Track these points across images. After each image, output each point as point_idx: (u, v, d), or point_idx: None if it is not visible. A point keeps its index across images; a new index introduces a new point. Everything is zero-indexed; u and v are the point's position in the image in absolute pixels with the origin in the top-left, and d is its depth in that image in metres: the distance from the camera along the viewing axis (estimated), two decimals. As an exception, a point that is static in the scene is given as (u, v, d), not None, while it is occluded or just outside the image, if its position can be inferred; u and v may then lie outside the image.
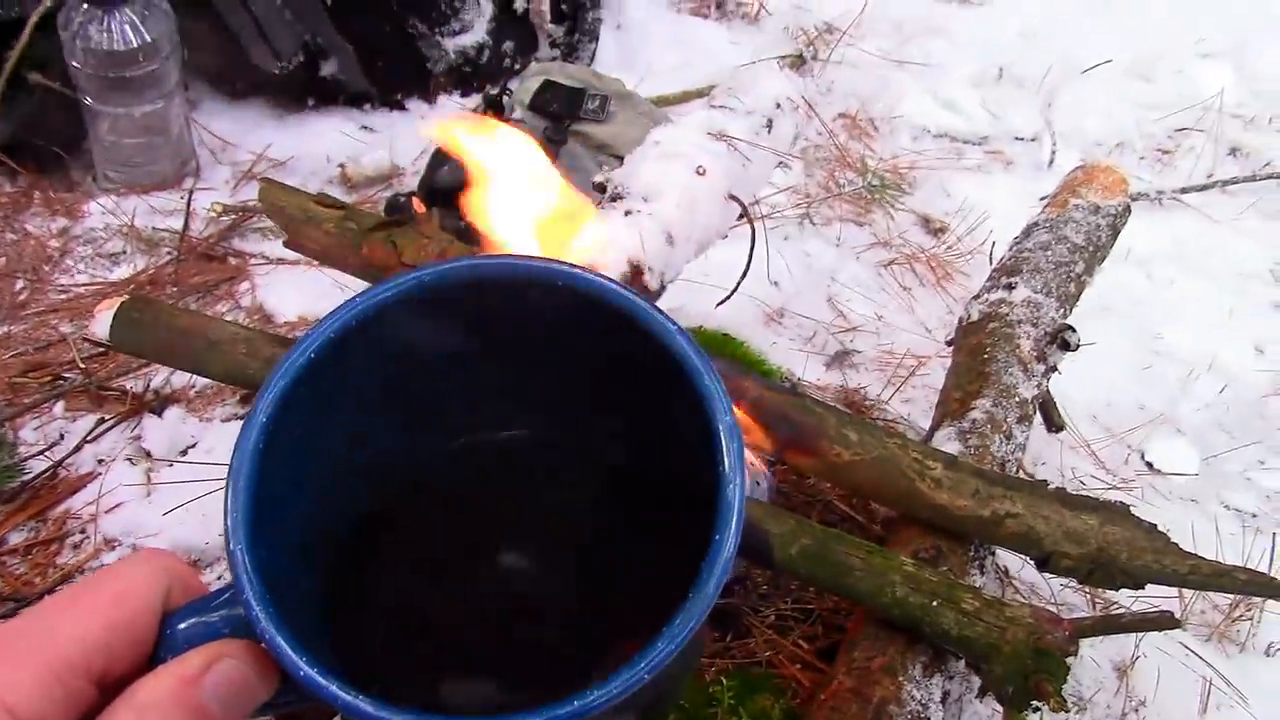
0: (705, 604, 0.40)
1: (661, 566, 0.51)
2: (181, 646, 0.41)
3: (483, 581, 0.55)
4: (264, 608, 0.40)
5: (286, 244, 1.12)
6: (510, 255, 0.47)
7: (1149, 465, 1.54)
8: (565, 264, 0.45)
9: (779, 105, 1.39)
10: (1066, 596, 1.26)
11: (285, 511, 0.44)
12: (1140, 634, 1.19)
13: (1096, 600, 1.26)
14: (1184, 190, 2.00)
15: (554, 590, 0.55)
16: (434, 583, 0.54)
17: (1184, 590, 1.26)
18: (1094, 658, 1.20)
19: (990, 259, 1.64)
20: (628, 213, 1.16)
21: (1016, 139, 2.12)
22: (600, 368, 0.48)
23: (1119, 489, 1.44)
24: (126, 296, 1.03)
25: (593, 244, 1.14)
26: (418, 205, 1.08)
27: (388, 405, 0.50)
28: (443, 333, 0.48)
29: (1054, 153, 2.07)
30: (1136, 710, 1.18)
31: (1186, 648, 1.23)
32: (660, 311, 0.44)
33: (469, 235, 1.09)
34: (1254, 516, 1.48)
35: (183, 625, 0.42)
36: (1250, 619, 1.30)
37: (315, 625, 0.42)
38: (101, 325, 1.03)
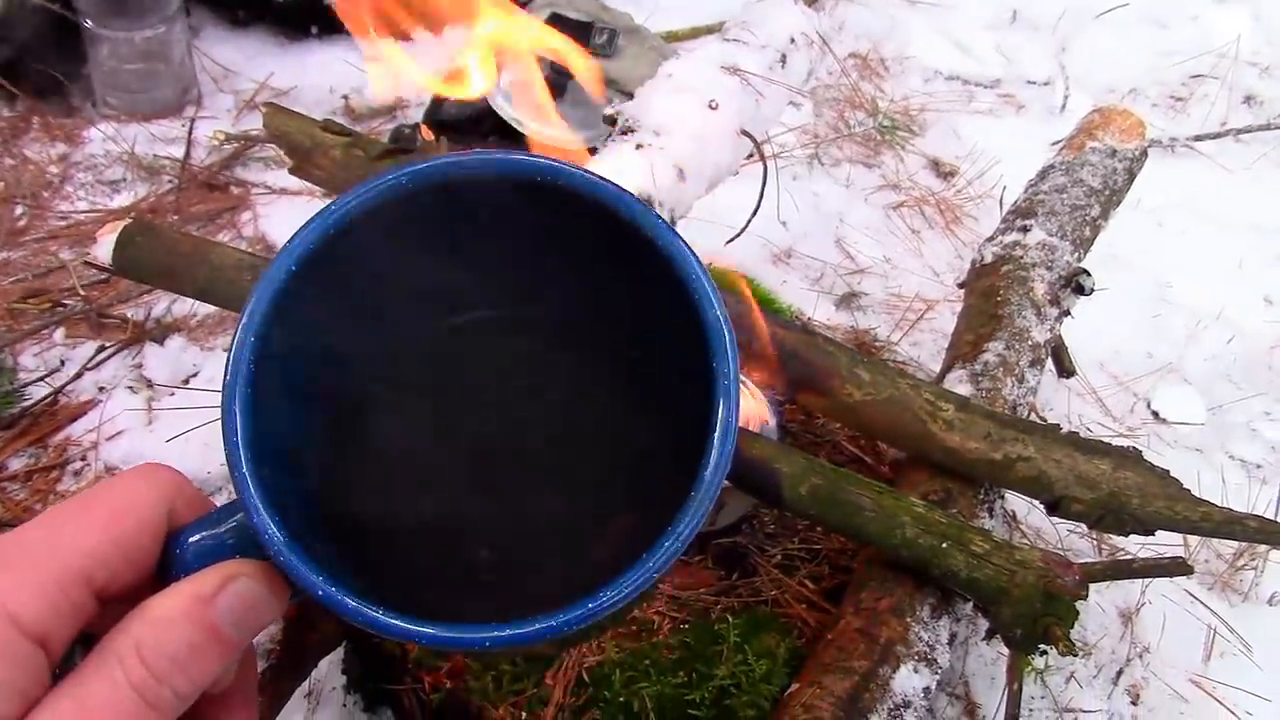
0: (706, 502, 0.39)
1: (653, 458, 0.51)
2: (192, 564, 0.41)
3: (467, 472, 0.54)
4: (277, 529, 0.39)
5: (292, 171, 1.10)
6: (489, 151, 0.46)
7: (1155, 414, 1.53)
8: (545, 159, 0.45)
9: (793, 40, 1.36)
10: (1072, 542, 1.26)
11: (279, 424, 0.43)
12: (1147, 581, 1.19)
13: (1103, 546, 1.26)
14: (1197, 138, 1.98)
15: (542, 478, 0.54)
16: (418, 477, 0.53)
17: (1188, 538, 1.26)
18: (1099, 603, 1.20)
19: (1000, 203, 1.62)
20: (639, 146, 1.14)
21: (1029, 83, 2.09)
22: (583, 257, 0.48)
23: (1125, 437, 1.44)
24: (130, 220, 1.01)
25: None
26: (426, 133, 1.06)
27: (370, 302, 0.49)
28: (424, 231, 0.47)
29: (1066, 97, 2.04)
30: (1140, 656, 1.18)
31: (1192, 595, 1.23)
32: (639, 201, 0.44)
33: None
34: (1259, 467, 1.47)
35: (192, 540, 0.42)
36: (1254, 568, 1.30)
37: (314, 536, 0.42)
38: (104, 249, 1.01)
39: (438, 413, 0.54)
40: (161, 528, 0.41)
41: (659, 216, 0.44)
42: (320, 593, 0.38)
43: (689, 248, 0.44)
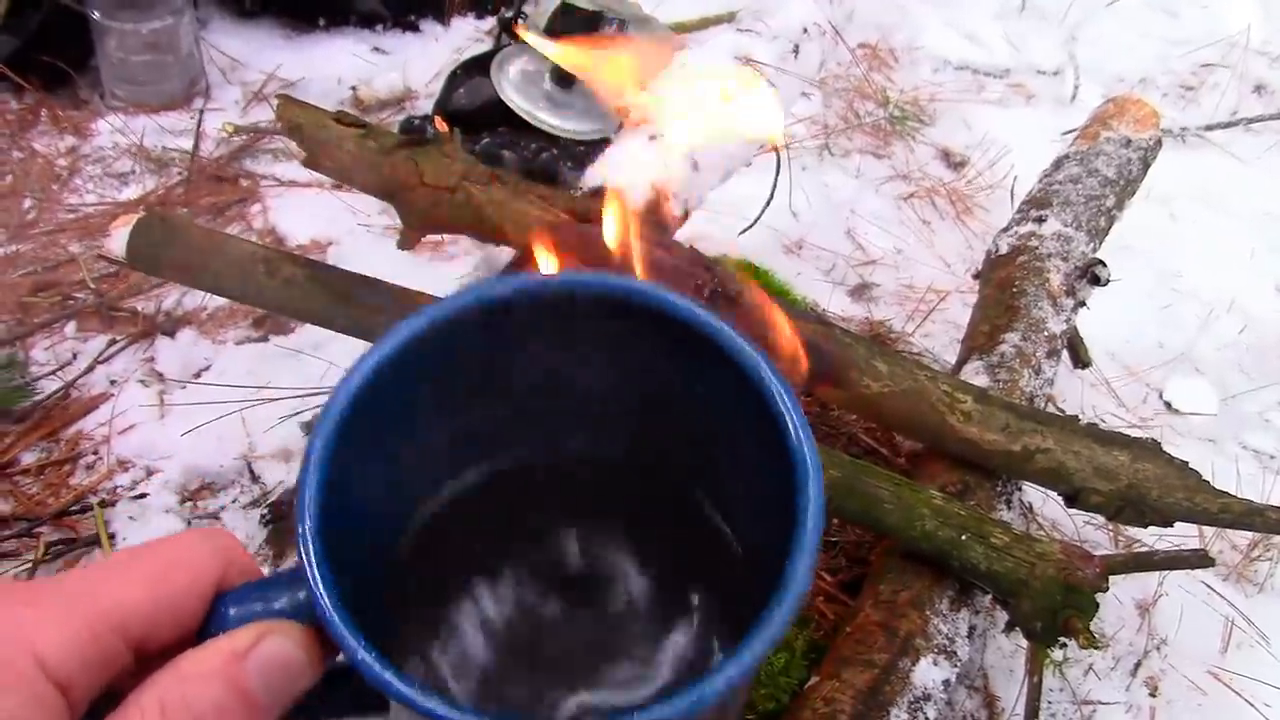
0: (762, 648, 0.38)
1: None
2: (232, 625, 0.40)
3: (538, 585, 0.53)
4: (326, 588, 0.38)
5: (305, 163, 1.09)
6: (600, 275, 0.45)
7: (1167, 405, 1.52)
8: (653, 287, 0.43)
9: (805, 30, 1.36)
10: (1089, 534, 1.25)
11: (352, 503, 0.42)
12: (1163, 573, 1.19)
13: (1119, 538, 1.26)
14: (1208, 128, 1.97)
15: (609, 596, 0.54)
16: (491, 579, 0.53)
17: (1203, 529, 1.26)
18: (1116, 595, 1.19)
19: (1011, 194, 1.62)
20: (652, 137, 1.14)
21: (1039, 72, 2.08)
22: (664, 383, 0.47)
23: (1138, 427, 1.43)
24: (143, 212, 1.01)
25: (616, 170, 1.12)
26: (440, 125, 1.05)
27: (447, 409, 0.48)
28: (511, 343, 0.47)
29: (1076, 87, 2.03)
30: (1158, 648, 1.17)
31: (1208, 587, 1.22)
32: (741, 335, 0.42)
33: (490, 160, 1.07)
34: (1272, 458, 1.47)
35: (236, 606, 0.41)
36: (1270, 559, 1.29)
37: (373, 619, 0.41)
38: (118, 242, 1.01)
39: (501, 539, 0.53)
40: (211, 590, 0.41)
41: (755, 347, 0.42)
42: (360, 658, 0.37)
43: (791, 398, 0.42)
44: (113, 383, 1.31)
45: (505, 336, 0.46)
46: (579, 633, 0.52)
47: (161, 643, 0.39)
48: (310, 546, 0.39)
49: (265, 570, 0.44)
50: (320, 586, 0.38)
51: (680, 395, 0.47)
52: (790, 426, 0.41)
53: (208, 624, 0.41)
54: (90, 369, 1.32)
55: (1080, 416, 1.07)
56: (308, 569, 0.39)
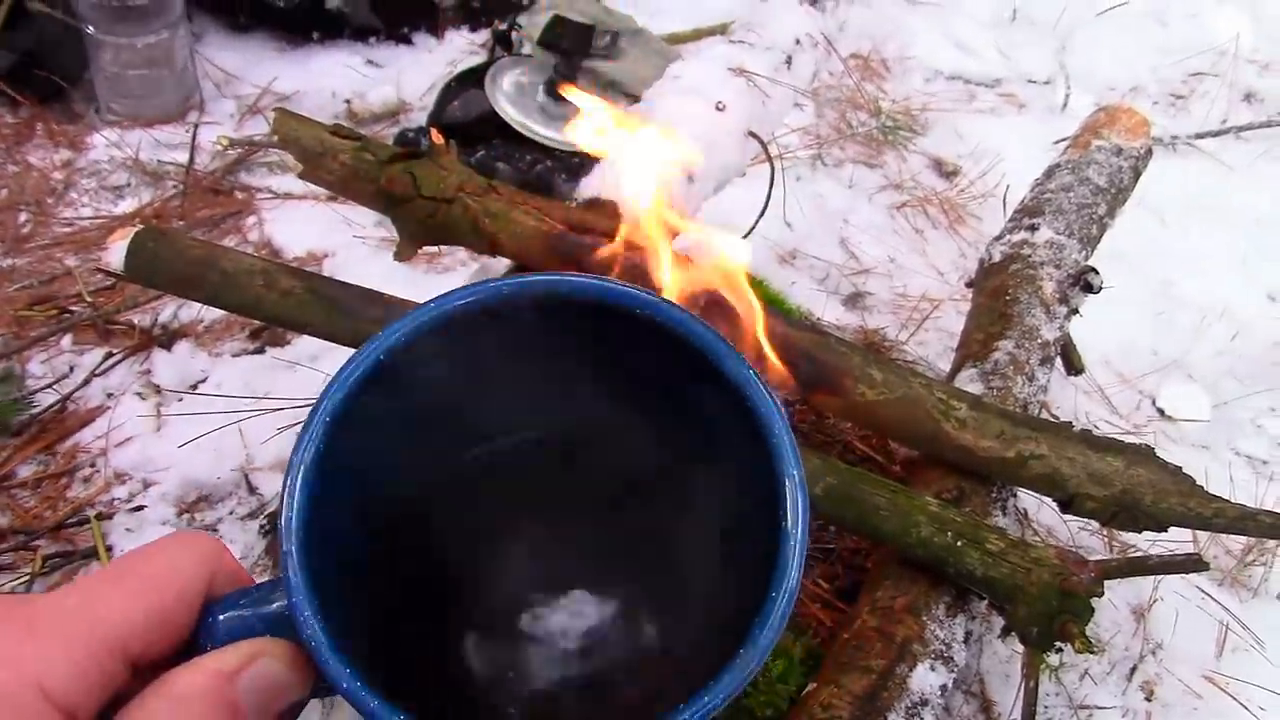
0: (754, 663, 0.38)
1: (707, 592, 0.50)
2: (222, 637, 0.40)
3: (508, 595, 0.54)
4: (312, 613, 0.39)
5: (301, 175, 1.09)
6: (591, 277, 0.46)
7: (1160, 411, 1.53)
8: (646, 292, 0.44)
9: (798, 41, 1.37)
10: (1083, 539, 1.26)
11: (334, 519, 0.42)
12: (1158, 577, 1.19)
13: (1113, 544, 1.26)
14: (1198, 135, 1.98)
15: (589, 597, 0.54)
16: (462, 592, 0.53)
17: (1197, 535, 1.26)
18: (1112, 600, 1.20)
19: (1004, 202, 1.62)
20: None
21: (1030, 82, 2.09)
22: (653, 387, 0.47)
23: (1131, 434, 1.44)
24: (140, 226, 1.01)
25: (611, 181, 1.12)
26: (437, 137, 1.06)
27: (432, 414, 0.48)
28: (498, 344, 0.47)
29: (1067, 96, 2.04)
30: (1154, 653, 1.18)
31: (1203, 591, 1.23)
32: (737, 354, 0.43)
33: (485, 172, 1.08)
34: (1265, 463, 1.48)
35: (224, 616, 0.41)
36: (1264, 564, 1.30)
37: (350, 633, 0.41)
38: (115, 255, 1.01)
39: (485, 534, 0.53)
40: (199, 599, 0.41)
41: (747, 366, 0.43)
42: (345, 685, 0.38)
43: (773, 400, 0.43)
44: (109, 395, 1.31)
45: (476, 346, 0.46)
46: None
47: (156, 654, 0.39)
48: (297, 566, 0.39)
49: (262, 578, 0.44)
50: (307, 613, 0.39)
51: (664, 392, 0.47)
52: (747, 384, 0.42)
53: (197, 633, 0.41)
54: (87, 382, 1.32)
55: (1074, 423, 1.07)
56: (295, 596, 0.39)
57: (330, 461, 0.42)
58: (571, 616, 0.52)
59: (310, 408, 0.42)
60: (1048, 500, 1.03)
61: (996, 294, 1.20)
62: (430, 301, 0.44)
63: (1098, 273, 1.20)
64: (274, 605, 0.41)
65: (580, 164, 1.55)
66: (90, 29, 1.61)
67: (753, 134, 1.25)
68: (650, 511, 0.52)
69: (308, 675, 0.41)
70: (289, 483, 0.41)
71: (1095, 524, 1.09)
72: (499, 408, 0.51)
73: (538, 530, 0.54)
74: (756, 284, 1.49)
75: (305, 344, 1.35)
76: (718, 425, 0.45)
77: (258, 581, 0.43)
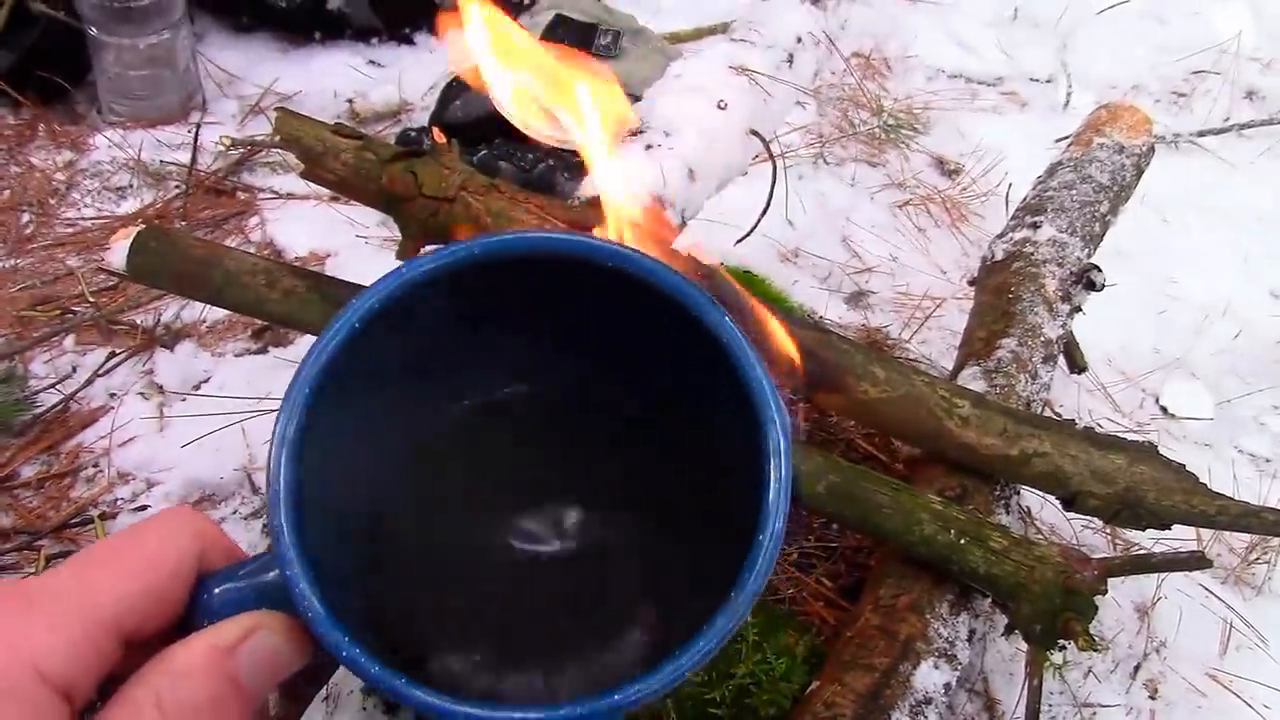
0: (744, 607, 0.39)
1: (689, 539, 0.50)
2: (217, 612, 0.41)
3: (501, 548, 0.54)
4: (308, 585, 0.39)
5: (303, 175, 1.09)
6: (564, 232, 0.46)
7: (1163, 409, 1.53)
8: (618, 244, 0.45)
9: (800, 40, 1.36)
10: (1086, 537, 1.26)
11: (323, 487, 0.43)
12: (1162, 575, 1.19)
13: (1116, 541, 1.26)
14: (1200, 133, 1.98)
15: (578, 563, 0.54)
16: (453, 552, 0.53)
17: (1200, 532, 1.26)
18: (1115, 598, 1.20)
19: (1006, 201, 1.62)
20: (649, 147, 1.15)
21: (1031, 80, 2.09)
22: (633, 337, 0.47)
23: (1134, 432, 1.44)
24: (142, 226, 1.01)
25: (613, 180, 1.12)
26: (438, 136, 1.06)
27: (415, 371, 0.49)
28: (479, 300, 0.47)
29: (1069, 94, 2.04)
30: (1158, 651, 1.18)
31: (1206, 589, 1.23)
32: (714, 301, 0.43)
33: (487, 172, 1.07)
34: (1268, 461, 1.48)
35: (218, 590, 0.42)
36: (1267, 562, 1.30)
37: (348, 600, 0.42)
38: (118, 255, 1.01)
39: (471, 492, 0.54)
40: (192, 574, 0.41)
41: (717, 306, 0.43)
42: (344, 654, 0.38)
43: (747, 343, 0.43)
44: (112, 395, 1.31)
45: (478, 289, 0.46)
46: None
47: (150, 631, 0.40)
48: (289, 539, 0.40)
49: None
50: (303, 586, 0.39)
51: (643, 342, 0.47)
52: (760, 390, 0.42)
53: (192, 608, 0.41)
54: (90, 382, 1.32)
55: (1077, 421, 1.07)
56: (289, 569, 0.39)
57: (316, 431, 0.42)
58: (564, 574, 0.52)
59: (290, 380, 0.43)
60: (1051, 498, 1.02)
61: (999, 292, 1.20)
62: (398, 269, 0.44)
63: (1100, 270, 1.20)
64: (268, 578, 0.41)
65: (581, 163, 1.55)
66: (92, 30, 1.61)
67: (754, 132, 1.25)
68: (640, 460, 0.53)
69: (305, 645, 0.41)
70: (274, 455, 0.41)
71: (1098, 522, 1.08)
72: (481, 368, 0.51)
73: (531, 480, 0.54)
74: (758, 282, 1.49)
75: (308, 344, 1.35)
76: (700, 374, 0.45)
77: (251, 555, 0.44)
